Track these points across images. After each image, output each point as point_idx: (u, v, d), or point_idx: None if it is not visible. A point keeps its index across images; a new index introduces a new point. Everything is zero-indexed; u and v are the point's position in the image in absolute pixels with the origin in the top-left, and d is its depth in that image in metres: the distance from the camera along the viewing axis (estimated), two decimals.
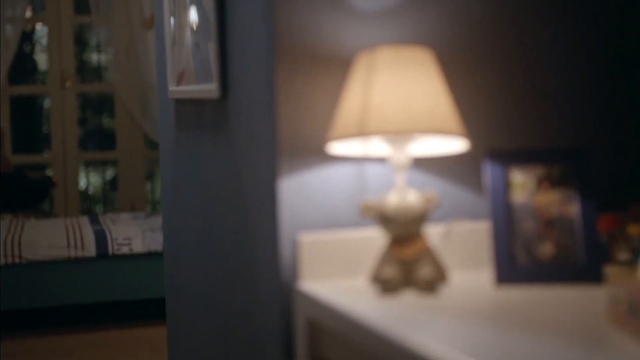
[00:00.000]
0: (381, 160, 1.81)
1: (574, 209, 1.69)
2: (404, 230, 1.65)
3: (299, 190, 1.76)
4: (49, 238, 5.30)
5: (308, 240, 1.73)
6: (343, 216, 1.78)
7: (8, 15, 7.40)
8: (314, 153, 1.76)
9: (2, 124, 7.15)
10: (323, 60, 1.75)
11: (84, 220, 5.98)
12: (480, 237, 1.83)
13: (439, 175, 1.83)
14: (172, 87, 2.65)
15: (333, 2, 1.76)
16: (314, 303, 1.66)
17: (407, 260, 1.65)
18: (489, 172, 1.70)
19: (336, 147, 1.70)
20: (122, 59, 7.64)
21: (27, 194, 6.58)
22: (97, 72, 8.25)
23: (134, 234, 5.41)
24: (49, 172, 7.87)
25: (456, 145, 1.71)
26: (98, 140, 8.35)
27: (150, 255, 5.37)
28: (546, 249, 1.69)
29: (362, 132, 1.61)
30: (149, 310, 5.67)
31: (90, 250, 5.28)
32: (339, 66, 1.76)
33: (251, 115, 1.90)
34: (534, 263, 1.68)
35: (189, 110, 2.51)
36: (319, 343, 1.69)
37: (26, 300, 5.20)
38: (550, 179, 1.71)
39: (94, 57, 8.26)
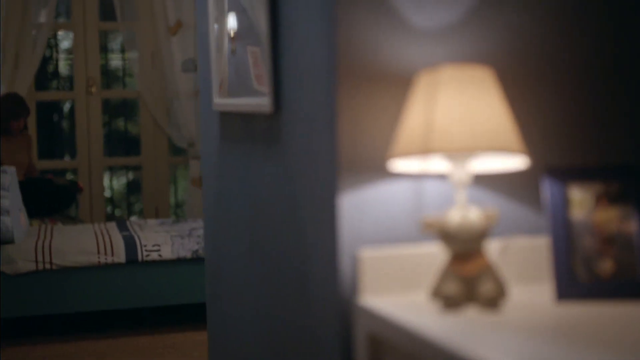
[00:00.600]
0: (439, 176, 1.83)
1: (632, 226, 1.71)
2: (465, 247, 1.67)
3: (359, 206, 1.78)
4: (79, 244, 5.34)
5: (368, 255, 1.75)
6: (401, 232, 1.81)
7: (34, 21, 7.45)
8: (373, 169, 1.79)
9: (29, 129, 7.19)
10: (383, 78, 1.78)
11: (112, 226, 6.02)
12: (536, 253, 1.85)
13: (497, 191, 1.85)
14: (217, 100, 2.67)
15: (392, 20, 1.78)
16: (375, 318, 1.68)
17: (468, 277, 1.67)
18: (547, 188, 1.72)
19: (397, 164, 1.73)
20: (146, 65, 7.69)
21: (54, 200, 6.62)
22: (119, 78, 8.30)
23: (162, 240, 5.44)
24: (69, 177, 7.92)
25: (516, 162, 1.73)
26: (120, 145, 8.39)
27: (179, 262, 5.40)
28: (606, 266, 1.70)
29: (425, 150, 1.63)
30: (179, 317, 5.70)
31: (120, 256, 5.32)
32: (398, 84, 1.78)
33: (308, 130, 1.92)
34: (594, 279, 1.69)
35: (236, 122, 2.53)
36: (379, 358, 1.71)
37: (57, 306, 5.23)
38: (608, 195, 1.73)
39: (116, 63, 8.30)
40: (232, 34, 2.67)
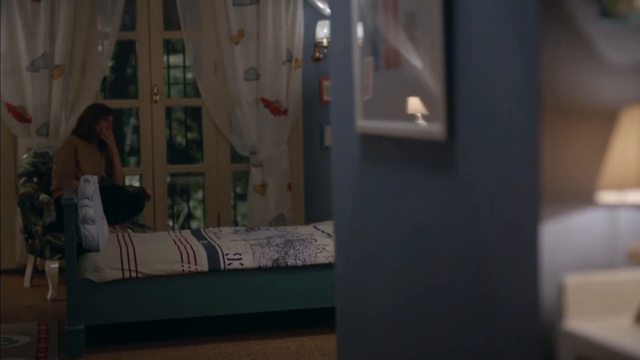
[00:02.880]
0: (635, 207, 1.91)
1: None
2: None
3: (559, 234, 1.87)
4: (163, 253, 5.44)
5: (574, 281, 1.84)
6: (598, 259, 1.89)
7: (100, 31, 7.57)
8: (573, 199, 1.87)
9: None
10: (585, 113, 1.86)
11: (187, 234, 6.12)
12: None
13: None
14: (362, 122, 2.76)
15: (592, 58, 1.87)
16: (584, 341, 1.77)
17: None
18: None
19: (601, 195, 1.81)
20: (209, 73, 7.80)
21: (126, 206, 6.73)
22: (182, 86, 8.41)
23: (243, 249, 5.54)
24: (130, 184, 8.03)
25: None
26: (181, 151, 8.51)
27: (260, 270, 5.49)
28: None
29: None
30: (261, 324, 5.80)
31: (203, 265, 5.41)
32: (600, 118, 1.87)
33: (497, 160, 2.01)
34: None
35: (385, 145, 2.62)
36: None
37: (142, 313, 5.33)
38: None
39: (179, 71, 8.41)
40: (359, 44, 2.76)
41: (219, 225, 7.87)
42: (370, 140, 2.76)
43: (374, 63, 2.66)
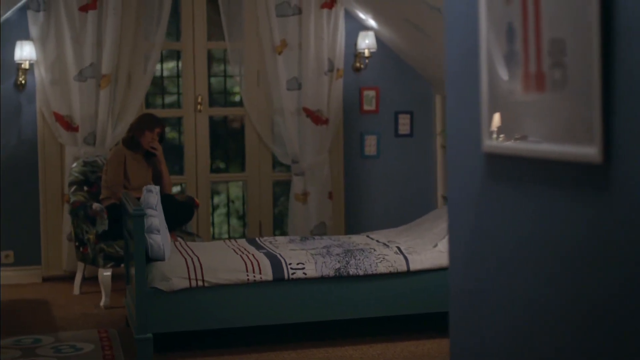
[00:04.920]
0: None
1: None
2: None
3: None
4: (227, 263, 5.52)
5: None
6: None
7: (146, 41, 7.64)
8: None
9: None
10: None
11: (244, 243, 6.20)
12: None
13: None
14: (490, 142, 2.85)
15: None
16: None
17: None
18: None
19: None
20: (252, 83, 7.88)
21: (176, 215, 6.81)
22: (224, 95, 8.48)
23: (305, 259, 5.62)
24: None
25: None
26: (224, 160, 8.57)
27: (323, 280, 5.57)
28: None
29: None
30: (323, 333, 5.88)
31: (268, 274, 5.49)
32: None
33: None
34: None
35: (518, 166, 2.70)
36: None
37: (209, 322, 5.41)
38: None
39: (222, 81, 8.49)
40: (488, 65, 2.83)
41: (261, 234, 7.95)
42: (498, 160, 2.84)
43: (509, 87, 2.75)
